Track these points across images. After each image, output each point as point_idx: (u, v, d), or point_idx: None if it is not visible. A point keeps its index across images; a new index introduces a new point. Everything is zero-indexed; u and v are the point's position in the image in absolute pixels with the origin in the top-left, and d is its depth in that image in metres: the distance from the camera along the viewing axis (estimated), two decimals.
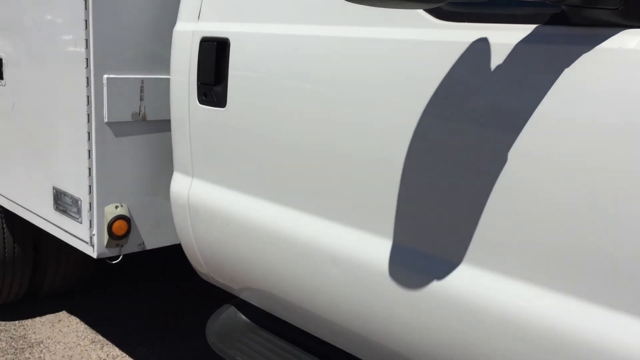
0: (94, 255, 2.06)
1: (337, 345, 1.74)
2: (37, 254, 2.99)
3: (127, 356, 2.80)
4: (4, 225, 2.83)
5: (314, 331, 1.79)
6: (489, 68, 1.17)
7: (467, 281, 1.27)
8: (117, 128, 2.01)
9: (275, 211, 1.69)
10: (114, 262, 2.10)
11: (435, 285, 1.31)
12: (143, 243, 2.15)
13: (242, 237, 1.81)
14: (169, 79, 1.97)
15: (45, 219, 2.30)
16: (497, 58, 1.16)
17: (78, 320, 3.11)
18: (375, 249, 1.43)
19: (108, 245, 2.05)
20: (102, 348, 2.85)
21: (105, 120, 1.98)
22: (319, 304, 1.64)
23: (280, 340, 1.99)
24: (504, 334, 1.22)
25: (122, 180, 2.06)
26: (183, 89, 1.91)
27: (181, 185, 2.00)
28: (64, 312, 3.18)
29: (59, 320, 3.09)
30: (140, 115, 2.04)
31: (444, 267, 1.29)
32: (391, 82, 1.35)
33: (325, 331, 1.73)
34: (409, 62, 1.32)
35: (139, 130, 2.06)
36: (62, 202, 2.16)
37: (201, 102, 1.85)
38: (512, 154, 1.14)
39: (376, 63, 1.38)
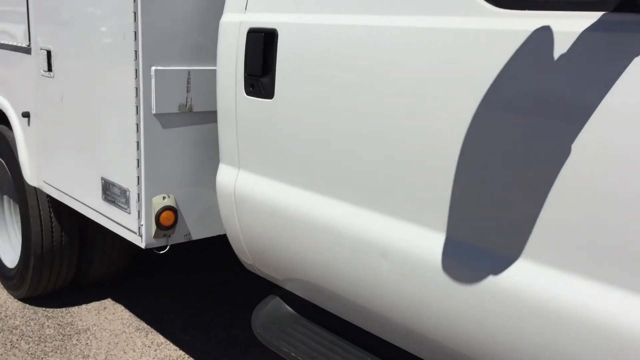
0: (142, 245, 2.08)
1: (385, 339, 1.73)
2: (83, 242, 3.05)
3: (171, 343, 2.84)
4: (52, 214, 2.90)
5: (361, 324, 1.79)
6: (552, 58, 1.14)
7: (525, 277, 1.24)
8: (165, 119, 2.03)
9: (323, 203, 1.69)
10: (161, 252, 2.13)
11: (492, 281, 1.28)
12: (189, 233, 2.17)
13: (289, 229, 1.81)
14: (215, 70, 1.97)
15: (94, 209, 2.34)
16: (560, 47, 1.13)
17: (123, 307, 3.17)
18: (429, 243, 1.41)
19: (156, 236, 2.08)
20: (146, 335, 2.90)
21: (153, 111, 1.99)
22: (367, 297, 1.64)
23: (326, 331, 1.99)
24: (562, 331, 1.19)
25: (169, 171, 2.08)
26: (230, 81, 1.92)
27: (227, 176, 2.01)
28: (109, 299, 3.25)
29: (105, 308, 3.15)
30: (187, 106, 2.05)
31: (502, 262, 1.27)
32: (448, 74, 1.33)
33: (373, 324, 1.72)
34: (467, 53, 1.29)
35: (185, 121, 2.07)
36: (111, 192, 2.20)
37: (248, 93, 1.85)
38: (576, 146, 1.10)
39: (432, 54, 1.36)
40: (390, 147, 1.47)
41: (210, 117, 2.10)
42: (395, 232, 1.49)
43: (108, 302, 3.22)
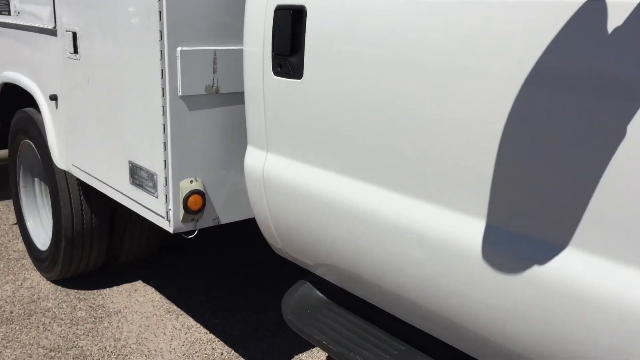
0: (170, 230, 2.05)
1: (419, 327, 1.67)
2: (113, 224, 3.05)
3: (201, 327, 2.83)
4: (82, 197, 2.90)
5: (394, 312, 1.73)
6: (606, 31, 1.04)
7: (572, 267, 1.17)
8: (191, 101, 1.98)
9: (355, 188, 1.62)
10: (189, 236, 2.10)
11: (536, 270, 1.21)
12: (218, 217, 2.13)
13: (319, 213, 1.75)
14: (242, 50, 1.91)
15: (121, 193, 2.32)
16: (614, 20, 1.03)
17: (153, 290, 3.17)
18: (467, 230, 1.34)
19: (184, 220, 2.04)
20: (177, 318, 2.90)
21: (180, 94, 1.95)
22: (401, 284, 1.58)
23: (358, 318, 1.94)
24: (612, 322, 1.12)
25: (196, 154, 2.04)
26: (257, 60, 1.85)
27: (255, 159, 1.96)
28: (140, 281, 3.26)
29: (135, 290, 3.16)
30: (214, 88, 2.00)
31: (547, 251, 1.19)
32: (489, 48, 1.24)
33: (406, 312, 1.66)
34: (511, 26, 1.20)
35: (212, 103, 2.02)
36: (138, 176, 2.17)
37: (276, 73, 1.79)
38: (632, 127, 1.02)
39: (472, 27, 1.27)
40: (429, 129, 1.39)
41: (237, 98, 2.05)
42: (431, 219, 1.42)
43: (139, 284, 3.22)
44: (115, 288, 3.17)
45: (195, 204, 2.03)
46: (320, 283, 2.08)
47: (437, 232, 1.41)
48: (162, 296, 3.11)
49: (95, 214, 2.94)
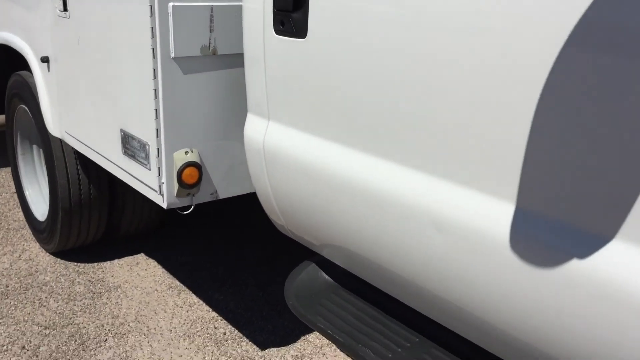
0: (164, 205, 1.88)
1: (436, 320, 1.49)
2: (113, 195, 2.89)
3: (204, 304, 2.69)
4: (78, 166, 2.74)
5: (407, 301, 1.55)
6: None
7: (620, 261, 0.97)
8: (185, 64, 1.78)
9: (366, 162, 1.43)
10: (185, 212, 1.93)
11: (574, 264, 1.02)
12: (216, 192, 1.95)
13: (324, 189, 1.57)
14: (241, 6, 1.70)
15: (114, 164, 2.15)
16: None
17: (156, 263, 3.03)
18: (495, 215, 1.14)
19: (178, 195, 1.87)
20: (178, 294, 2.76)
21: (172, 55, 1.75)
22: (415, 273, 1.39)
23: (368, 305, 1.77)
24: None
25: (191, 123, 1.85)
26: (257, 18, 1.65)
27: (256, 128, 1.77)
28: (142, 254, 3.12)
29: (137, 264, 3.02)
30: (210, 48, 1.80)
31: (591, 242, 1.00)
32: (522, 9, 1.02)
33: (421, 303, 1.48)
34: None
35: (209, 66, 1.82)
36: (130, 146, 1.99)
37: (278, 32, 1.58)
38: None
39: None
40: (450, 98, 1.19)
41: (236, 60, 1.85)
42: (451, 201, 1.23)
43: (141, 258, 3.08)
44: (116, 261, 3.04)
45: (190, 177, 1.86)
46: (327, 264, 1.91)
47: (459, 216, 1.22)
48: (164, 270, 2.97)
49: (93, 184, 2.78)
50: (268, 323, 2.57)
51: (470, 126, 1.16)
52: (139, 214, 3.02)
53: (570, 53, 0.97)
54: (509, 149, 1.09)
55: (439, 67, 1.20)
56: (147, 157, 1.89)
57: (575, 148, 0.99)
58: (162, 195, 1.87)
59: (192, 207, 1.93)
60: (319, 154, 1.57)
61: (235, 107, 1.90)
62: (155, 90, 1.78)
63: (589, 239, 1.02)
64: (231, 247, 3.23)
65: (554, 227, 1.06)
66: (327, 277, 1.89)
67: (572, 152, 1.00)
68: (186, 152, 1.85)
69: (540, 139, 1.04)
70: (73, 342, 2.39)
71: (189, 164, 1.85)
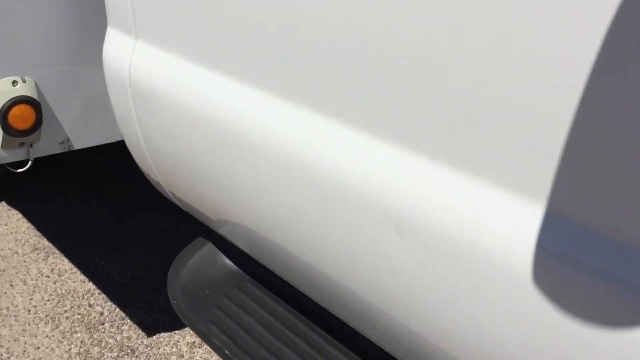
0: None
1: (377, 343, 1.02)
2: None
3: (79, 272, 2.12)
4: None
5: (339, 314, 1.07)
6: None
7: None
8: None
9: (265, 104, 0.89)
10: (19, 170, 1.33)
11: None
12: (68, 140, 1.36)
13: (211, 137, 1.03)
14: None
15: None
16: None
17: (20, 216, 2.40)
18: (497, 213, 0.65)
19: (5, 145, 1.27)
20: (45, 259, 2.17)
21: None
22: (358, 282, 0.90)
23: (280, 303, 1.28)
24: None
25: (23, 39, 1.23)
26: None
27: (119, 49, 1.18)
28: (3, 203, 2.47)
29: None
30: None
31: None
32: None
33: (357, 320, 1.01)
34: None
35: None
36: None
37: None
38: None
39: None
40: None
41: None
42: (422, 185, 0.72)
43: (0, 208, 2.44)
44: None
45: (22, 120, 1.25)
46: (228, 244, 1.39)
47: (431, 210, 0.72)
48: (30, 225, 2.35)
49: None
50: (161, 298, 2.05)
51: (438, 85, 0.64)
52: None
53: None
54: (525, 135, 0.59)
55: None
56: None
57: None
58: None
59: (30, 162, 1.33)
60: (203, 87, 1.01)
61: (90, 20, 1.28)
62: None
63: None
64: (117, 201, 2.61)
65: (586, 236, 0.58)
66: (227, 261, 1.38)
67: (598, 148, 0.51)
68: (14, 83, 1.23)
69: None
70: None
71: (19, 100, 1.23)
